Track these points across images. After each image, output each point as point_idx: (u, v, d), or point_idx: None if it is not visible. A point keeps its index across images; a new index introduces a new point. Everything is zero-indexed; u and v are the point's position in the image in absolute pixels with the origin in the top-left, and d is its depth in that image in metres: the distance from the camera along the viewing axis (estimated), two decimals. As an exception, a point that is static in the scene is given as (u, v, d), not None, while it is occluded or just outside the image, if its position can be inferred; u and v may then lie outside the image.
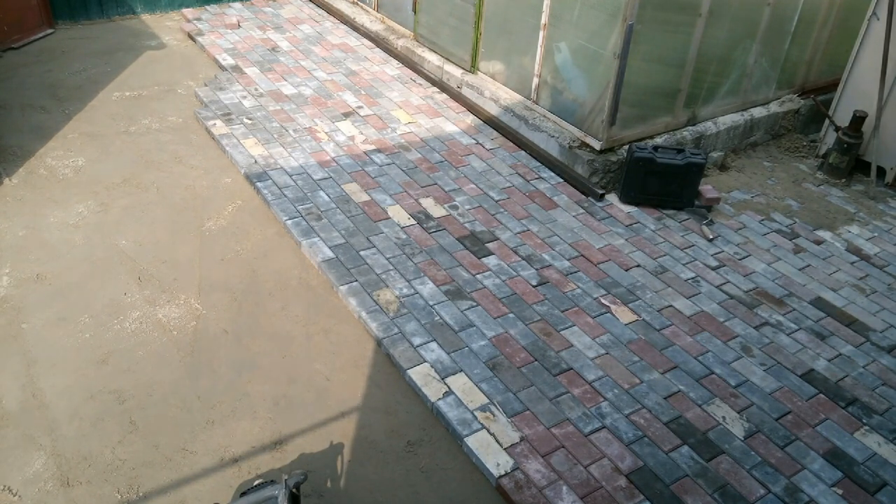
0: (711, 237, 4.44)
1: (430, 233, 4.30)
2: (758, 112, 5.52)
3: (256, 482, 2.60)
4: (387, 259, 4.06)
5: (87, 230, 4.23)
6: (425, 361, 3.42)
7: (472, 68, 5.80)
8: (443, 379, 3.33)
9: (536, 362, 3.45)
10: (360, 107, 5.67)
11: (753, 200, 4.94)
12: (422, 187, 4.72)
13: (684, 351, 3.60)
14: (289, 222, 4.32)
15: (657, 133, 5.02)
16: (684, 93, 4.96)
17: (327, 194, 4.59)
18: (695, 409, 3.27)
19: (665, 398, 3.32)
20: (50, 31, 6.76)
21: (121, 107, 5.59)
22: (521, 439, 3.06)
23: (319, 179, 4.74)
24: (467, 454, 3.05)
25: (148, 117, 5.47)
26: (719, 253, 4.36)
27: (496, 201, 4.64)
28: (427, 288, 3.86)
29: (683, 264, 4.23)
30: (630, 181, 4.66)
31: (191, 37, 6.84)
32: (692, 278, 4.12)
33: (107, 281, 3.86)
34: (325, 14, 7.45)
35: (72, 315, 3.62)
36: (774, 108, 5.64)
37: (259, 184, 4.65)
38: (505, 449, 3.01)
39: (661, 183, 4.59)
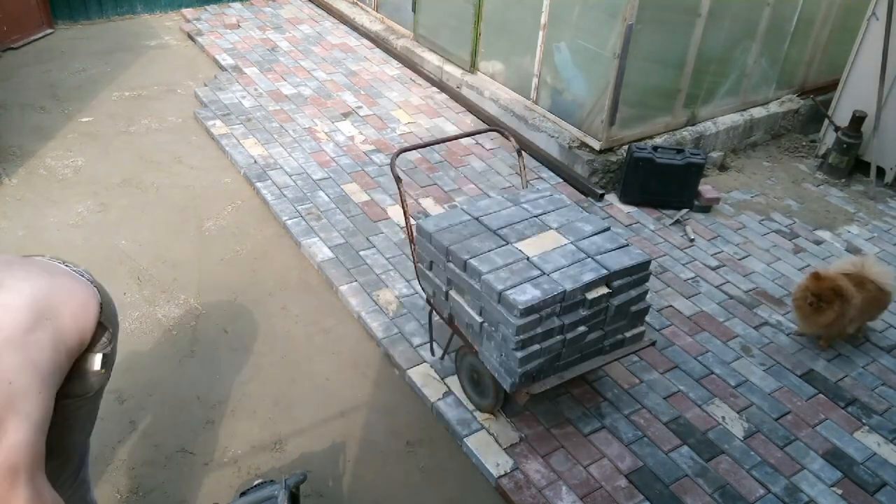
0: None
1: (429, 233, 4.30)
2: (757, 112, 5.52)
3: (256, 482, 2.60)
4: (386, 259, 4.06)
5: (86, 230, 4.23)
6: (425, 361, 3.42)
7: (472, 68, 5.80)
8: (443, 379, 3.33)
9: (536, 362, 3.45)
10: (359, 107, 5.67)
11: (753, 200, 4.94)
12: (421, 187, 4.73)
13: (684, 351, 3.60)
14: (289, 222, 4.33)
15: (657, 133, 5.03)
16: (684, 93, 4.97)
17: (327, 194, 4.59)
18: (694, 409, 3.27)
19: (665, 398, 3.32)
20: (49, 31, 6.76)
21: (121, 107, 5.60)
22: (521, 439, 3.06)
23: (319, 179, 4.74)
24: (467, 454, 3.05)
25: (147, 117, 5.47)
26: (719, 253, 4.36)
27: (496, 201, 4.64)
28: (427, 288, 3.86)
29: (683, 264, 4.23)
30: (630, 181, 4.66)
31: (190, 37, 6.84)
32: (692, 278, 4.12)
33: (107, 281, 3.82)
34: (325, 14, 7.45)
35: (71, 315, 3.61)
36: (774, 108, 5.64)
37: (259, 184, 4.65)
38: (504, 449, 3.01)
39: (660, 183, 4.60)
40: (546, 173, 4.98)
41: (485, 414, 3.16)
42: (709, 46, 4.86)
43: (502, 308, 2.70)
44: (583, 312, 2.80)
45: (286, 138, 5.18)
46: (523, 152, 3.47)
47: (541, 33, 4.94)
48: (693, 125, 5.19)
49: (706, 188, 4.75)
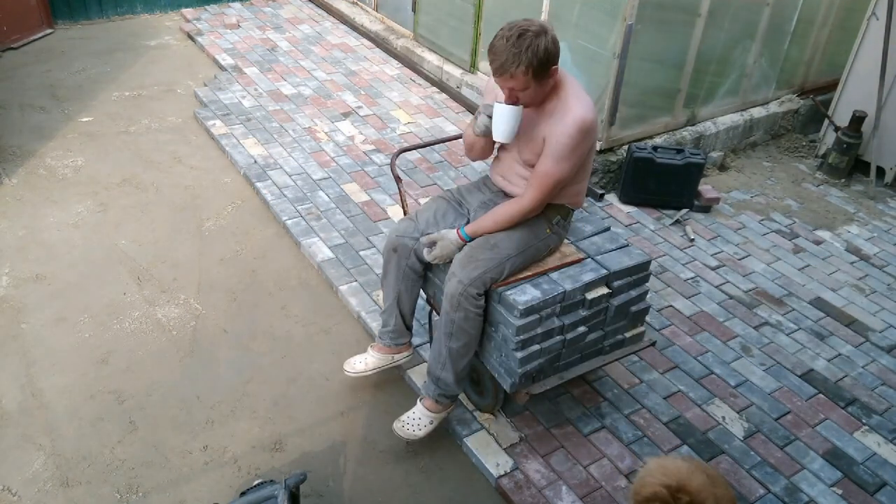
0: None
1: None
2: (757, 112, 5.52)
3: (256, 482, 2.60)
4: (386, 259, 4.05)
5: (86, 230, 4.23)
6: (425, 361, 3.41)
7: (472, 68, 5.80)
8: (442, 379, 3.33)
9: (536, 362, 3.45)
10: (359, 107, 5.67)
11: (753, 200, 4.94)
12: (421, 187, 4.72)
13: (684, 351, 3.60)
14: (288, 222, 4.32)
15: (657, 133, 5.02)
16: (684, 93, 4.97)
17: (327, 194, 4.59)
18: (694, 409, 3.27)
19: (665, 398, 3.32)
20: (49, 31, 6.76)
21: (121, 107, 5.60)
22: (521, 439, 3.06)
23: (319, 179, 4.74)
24: (467, 454, 3.05)
25: (147, 117, 5.47)
26: (719, 253, 4.36)
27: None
28: (427, 288, 3.86)
29: (683, 264, 4.23)
30: (629, 181, 4.66)
31: (190, 37, 6.84)
32: (692, 278, 4.12)
33: (106, 281, 3.86)
34: (325, 14, 7.45)
35: (71, 315, 3.62)
36: (774, 108, 5.64)
37: (258, 184, 4.65)
38: (504, 449, 3.01)
39: (660, 183, 4.60)
40: (546, 173, 4.98)
41: (485, 414, 3.16)
42: (709, 46, 4.86)
43: (502, 308, 2.69)
44: (583, 313, 2.80)
45: (286, 138, 5.18)
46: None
47: (541, 33, 4.93)
48: (693, 125, 5.19)
49: (706, 188, 4.75)
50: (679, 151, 4.61)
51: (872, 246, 4.57)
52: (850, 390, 3.45)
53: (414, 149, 3.36)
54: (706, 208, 4.71)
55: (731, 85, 5.29)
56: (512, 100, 2.54)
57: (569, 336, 2.80)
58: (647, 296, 3.03)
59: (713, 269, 4.22)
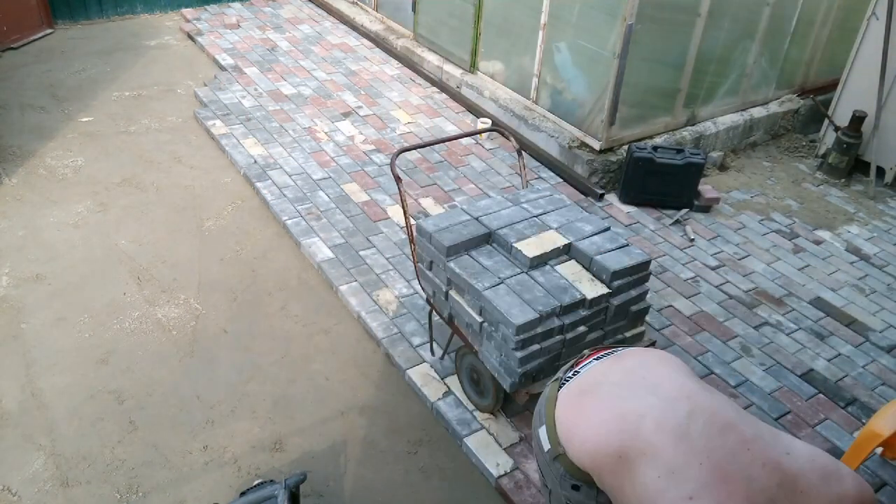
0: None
1: (429, 233, 4.29)
2: (757, 112, 5.52)
3: (256, 482, 2.60)
4: (386, 259, 4.06)
5: (86, 230, 4.23)
6: (425, 361, 3.42)
7: (472, 68, 5.80)
8: (443, 379, 3.33)
9: (536, 362, 3.45)
10: (359, 107, 5.67)
11: (753, 200, 4.94)
12: (421, 187, 4.73)
13: (684, 351, 3.60)
14: (288, 222, 4.32)
15: (657, 133, 5.02)
16: (684, 93, 4.96)
17: (327, 194, 4.59)
18: (694, 409, 3.27)
19: (665, 398, 3.32)
20: (49, 31, 6.76)
21: (120, 107, 5.60)
22: (521, 439, 3.06)
23: (319, 179, 4.74)
24: (467, 454, 3.05)
25: (147, 117, 5.47)
26: (719, 253, 4.36)
27: (496, 201, 4.63)
28: (427, 288, 3.86)
29: (683, 264, 4.23)
30: (629, 181, 4.66)
31: (190, 37, 6.84)
32: (692, 278, 4.12)
33: (106, 281, 3.86)
34: (325, 14, 7.45)
35: (71, 315, 3.62)
36: (774, 108, 5.64)
37: (258, 184, 4.65)
38: (504, 449, 3.01)
39: (660, 183, 4.60)
40: (546, 173, 4.98)
41: (485, 414, 3.16)
42: (709, 46, 4.86)
43: (502, 308, 2.69)
44: (583, 312, 2.80)
45: (286, 138, 5.18)
46: (523, 152, 3.47)
47: (541, 33, 4.94)
48: (693, 125, 5.19)
49: (706, 188, 4.75)
50: (679, 151, 4.61)
51: (872, 246, 4.56)
52: (850, 390, 3.45)
53: (414, 149, 3.36)
54: (706, 208, 4.71)
55: (731, 85, 5.29)
56: None
57: (569, 336, 2.80)
58: (647, 296, 3.03)
59: (713, 269, 4.22)
